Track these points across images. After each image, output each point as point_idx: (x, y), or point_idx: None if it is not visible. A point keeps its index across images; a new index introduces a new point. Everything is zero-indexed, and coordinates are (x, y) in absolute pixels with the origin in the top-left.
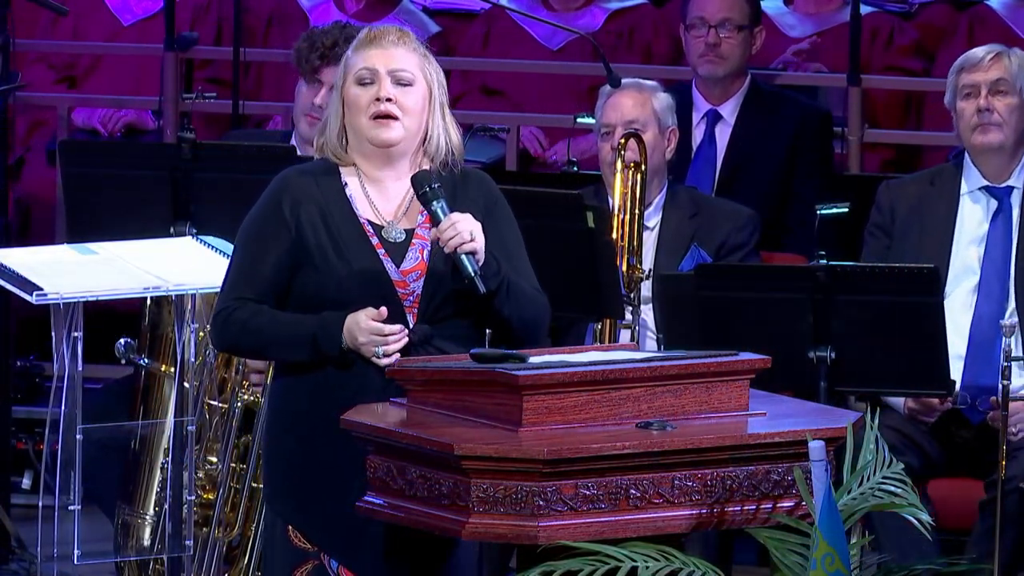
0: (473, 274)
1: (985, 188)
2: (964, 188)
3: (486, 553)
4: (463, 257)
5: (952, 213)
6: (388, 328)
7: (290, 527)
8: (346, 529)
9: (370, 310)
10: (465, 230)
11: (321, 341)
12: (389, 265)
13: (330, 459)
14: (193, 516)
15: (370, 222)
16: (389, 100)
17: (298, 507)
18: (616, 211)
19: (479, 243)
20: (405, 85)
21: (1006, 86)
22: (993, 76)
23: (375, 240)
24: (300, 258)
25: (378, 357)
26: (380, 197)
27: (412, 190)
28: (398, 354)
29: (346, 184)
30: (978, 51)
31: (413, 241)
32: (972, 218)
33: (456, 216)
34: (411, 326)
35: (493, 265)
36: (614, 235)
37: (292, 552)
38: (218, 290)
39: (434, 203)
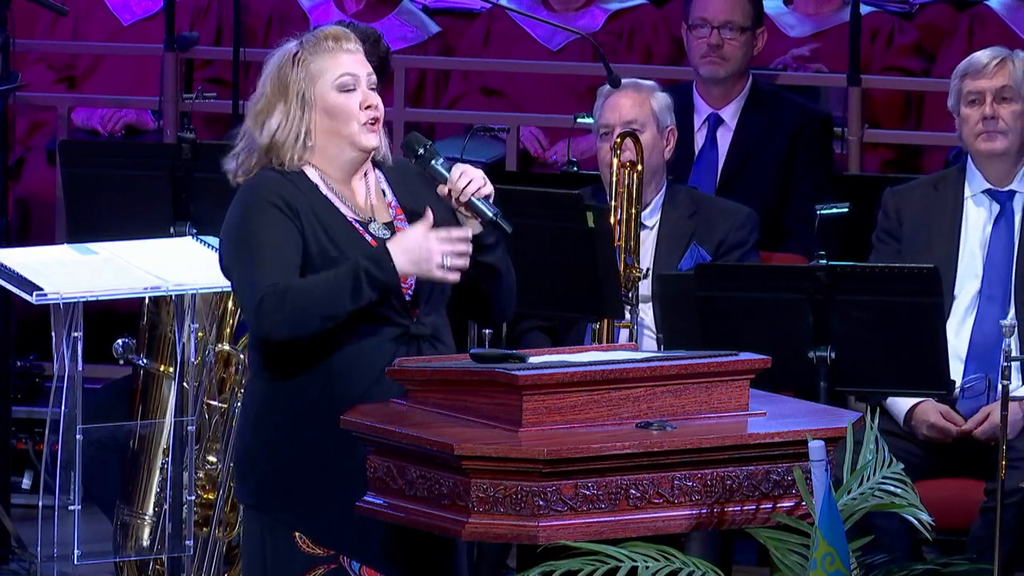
0: (494, 216)
1: (988, 191)
2: (967, 192)
3: (485, 552)
4: (479, 202)
5: (957, 217)
6: (455, 232)
7: (297, 533)
8: (361, 527)
9: (427, 217)
10: (477, 175)
11: (374, 274)
12: None
13: (334, 460)
14: (193, 516)
15: (356, 220)
16: (377, 106)
17: (305, 512)
18: (612, 210)
19: (491, 186)
20: (373, 90)
21: (1011, 93)
22: (998, 83)
23: (368, 237)
24: (303, 257)
25: (443, 268)
26: (350, 196)
27: (369, 187)
28: (466, 258)
29: (317, 185)
30: (982, 56)
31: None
32: (976, 221)
33: (462, 165)
34: (414, 318)
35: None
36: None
37: (300, 559)
38: (218, 290)
39: (433, 161)
